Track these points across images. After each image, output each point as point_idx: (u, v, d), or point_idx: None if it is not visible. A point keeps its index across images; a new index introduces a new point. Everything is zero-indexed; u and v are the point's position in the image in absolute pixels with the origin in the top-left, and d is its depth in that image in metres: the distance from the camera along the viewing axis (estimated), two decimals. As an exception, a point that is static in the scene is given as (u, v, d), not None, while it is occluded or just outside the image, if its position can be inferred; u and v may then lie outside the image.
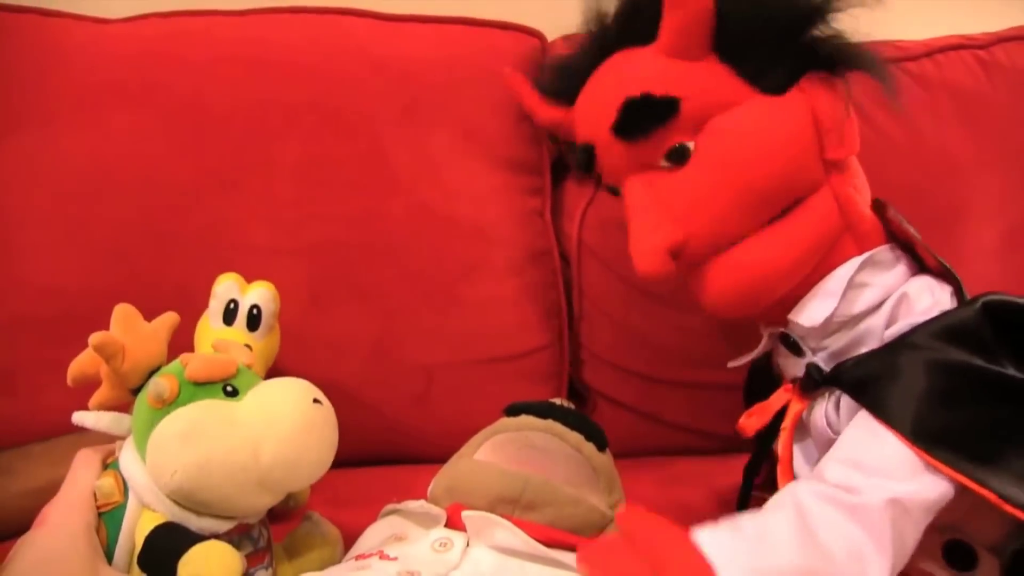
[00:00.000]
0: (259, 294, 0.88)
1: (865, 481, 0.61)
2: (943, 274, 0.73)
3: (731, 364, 0.81)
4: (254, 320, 0.87)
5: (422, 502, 0.69)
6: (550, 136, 0.99)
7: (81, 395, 0.90)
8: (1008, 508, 0.60)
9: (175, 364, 0.67)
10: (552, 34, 1.12)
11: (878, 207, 0.74)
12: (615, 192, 0.78)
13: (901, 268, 0.73)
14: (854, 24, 0.72)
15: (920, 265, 0.75)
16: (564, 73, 0.83)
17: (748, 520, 0.61)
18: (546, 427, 0.74)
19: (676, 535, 0.58)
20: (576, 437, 0.73)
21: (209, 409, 0.64)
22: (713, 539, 0.58)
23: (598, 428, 0.76)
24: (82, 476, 0.65)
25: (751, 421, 0.78)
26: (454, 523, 0.67)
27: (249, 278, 0.90)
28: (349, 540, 0.74)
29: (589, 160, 0.78)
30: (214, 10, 1.08)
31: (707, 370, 1.05)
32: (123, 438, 0.67)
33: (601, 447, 0.75)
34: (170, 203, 1.01)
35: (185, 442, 0.62)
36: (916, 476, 0.62)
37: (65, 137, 1.01)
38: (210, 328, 0.87)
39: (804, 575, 0.58)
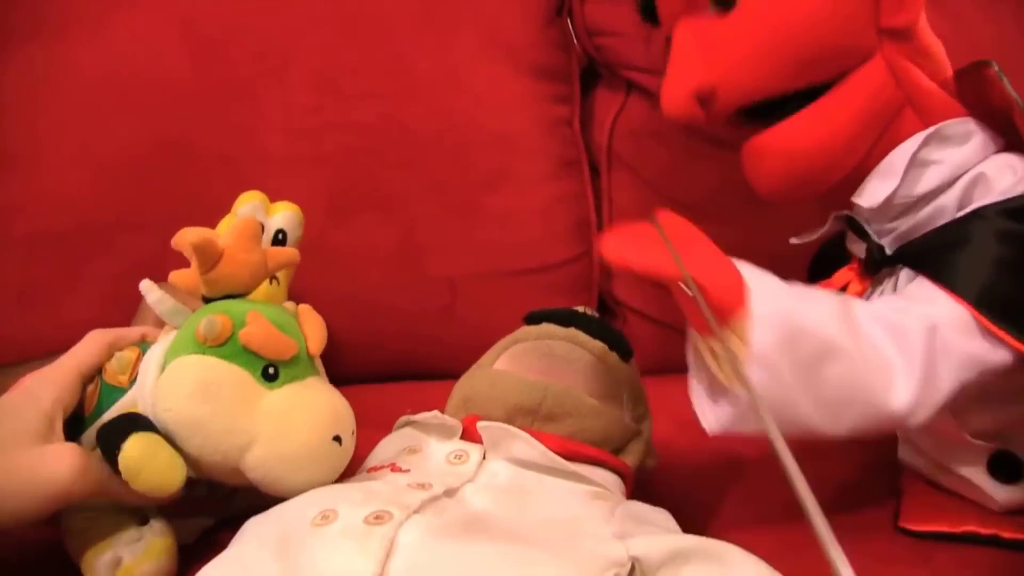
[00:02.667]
0: (285, 217, 0.84)
1: (912, 312, 0.60)
2: None
3: (793, 240, 0.77)
4: (279, 245, 0.83)
5: (436, 412, 0.67)
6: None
7: (98, 308, 0.89)
8: None
9: (244, 307, 0.62)
10: (583, -70, 1.07)
11: (976, 67, 0.67)
12: (670, 46, 0.74)
13: (977, 143, 0.67)
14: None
15: (1009, 140, 0.68)
16: None
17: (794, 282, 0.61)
18: (568, 335, 0.70)
19: (714, 246, 0.59)
20: (599, 346, 0.70)
21: (236, 382, 0.59)
22: (754, 270, 0.58)
23: (622, 336, 0.73)
24: (80, 351, 0.63)
25: None
26: (470, 435, 0.64)
27: (266, 188, 0.86)
28: (368, 452, 0.72)
29: (650, 5, 0.75)
30: (229, -89, 1.04)
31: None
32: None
33: (625, 356, 0.72)
34: (185, 113, 0.99)
35: (194, 394, 0.58)
36: (969, 334, 0.59)
37: (78, 47, 0.99)
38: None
39: (829, 347, 0.57)
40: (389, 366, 1.03)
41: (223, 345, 0.59)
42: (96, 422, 0.61)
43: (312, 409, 0.61)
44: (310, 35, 1.01)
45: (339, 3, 1.02)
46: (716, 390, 0.60)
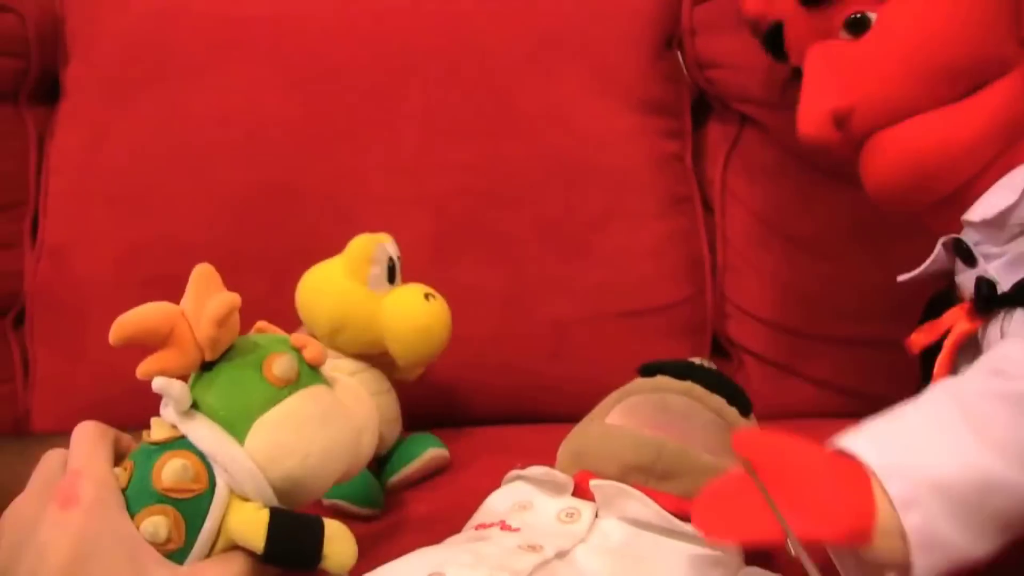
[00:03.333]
0: (394, 246, 0.85)
1: None
2: None
3: (901, 278, 0.74)
4: (392, 271, 0.85)
5: (547, 468, 0.65)
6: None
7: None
8: None
9: (283, 342, 0.61)
10: (689, -37, 1.05)
11: None
12: (800, 76, 0.75)
13: None
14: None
15: None
16: None
17: (896, 416, 0.54)
18: (684, 389, 0.68)
19: (810, 455, 0.52)
20: (717, 400, 0.68)
21: (331, 394, 0.61)
22: (865, 442, 0.51)
23: (741, 390, 0.70)
24: (102, 449, 0.56)
25: (919, 336, 0.73)
26: (582, 492, 0.63)
27: (372, 229, 0.86)
28: (477, 503, 0.71)
29: (776, 39, 0.77)
30: (335, -39, 1.07)
31: (864, 324, 0.98)
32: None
33: (745, 412, 0.69)
34: (292, 156, 1.00)
35: (322, 425, 0.58)
36: None
37: (193, 93, 1.02)
38: (374, 293, 0.83)
39: (981, 476, 0.49)
40: (496, 409, 1.01)
41: (299, 379, 0.59)
42: (197, 540, 0.56)
43: (358, 386, 0.65)
44: (415, 75, 1.02)
45: (444, 43, 1.02)
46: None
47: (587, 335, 1.00)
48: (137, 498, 0.54)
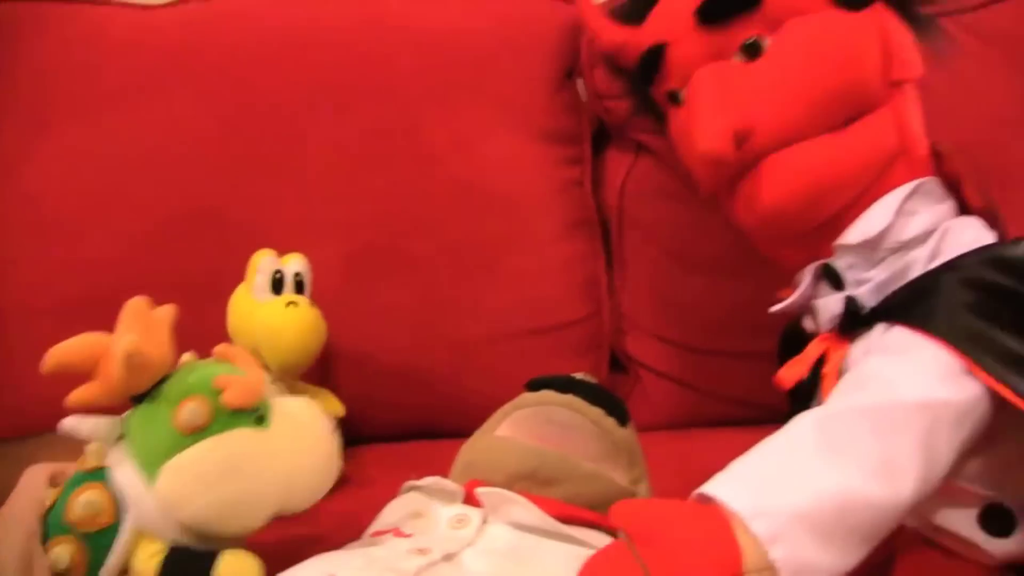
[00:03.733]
0: (299, 262, 0.91)
1: (891, 381, 0.60)
2: (987, 218, 0.72)
3: (773, 309, 0.80)
4: (300, 287, 0.90)
5: (438, 478, 0.69)
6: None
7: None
8: None
9: (204, 383, 0.62)
10: (590, 1, 1.11)
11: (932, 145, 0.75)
12: (676, 99, 0.79)
13: (949, 203, 0.73)
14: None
15: (963, 210, 0.74)
16: None
17: (758, 454, 0.59)
18: (566, 402, 0.72)
19: (676, 516, 0.56)
20: (596, 411, 0.72)
21: (247, 441, 0.61)
22: (729, 487, 0.56)
23: (619, 402, 0.75)
24: (25, 496, 0.61)
25: (790, 372, 0.78)
26: (472, 499, 0.66)
27: (287, 253, 0.92)
28: (375, 515, 0.75)
29: (655, 62, 0.79)
30: (252, -8, 1.10)
31: (751, 339, 1.03)
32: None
33: (622, 421, 0.74)
34: (210, 183, 1.03)
35: (223, 475, 0.59)
36: (950, 379, 0.60)
37: (112, 122, 1.05)
38: (256, 301, 0.89)
39: (837, 499, 0.55)
40: (406, 425, 1.05)
41: (211, 425, 0.60)
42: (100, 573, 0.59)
43: (307, 420, 0.66)
44: (326, 106, 1.05)
45: (355, 75, 1.06)
46: None
47: (492, 353, 1.04)
48: (52, 525, 0.58)
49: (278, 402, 0.65)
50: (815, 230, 0.74)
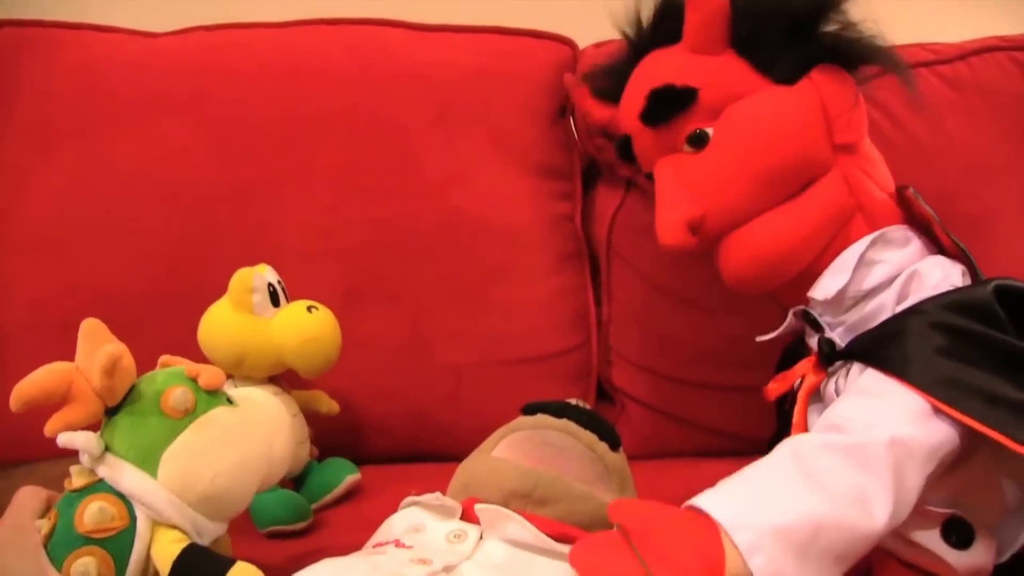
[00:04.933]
0: (271, 270, 0.93)
1: (867, 422, 0.63)
2: (959, 256, 0.76)
3: (759, 339, 0.84)
4: (274, 294, 0.92)
5: (438, 494, 0.71)
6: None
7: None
8: (1014, 446, 0.61)
9: (177, 375, 0.66)
10: (584, 42, 1.15)
11: (898, 190, 0.79)
12: (651, 178, 0.84)
13: (914, 247, 0.77)
14: (885, 28, 0.79)
15: (938, 247, 0.78)
16: (610, 74, 0.90)
17: (743, 476, 0.63)
18: (561, 426, 0.75)
19: (670, 520, 0.60)
20: (589, 436, 0.75)
21: (230, 414, 0.66)
22: (716, 501, 0.60)
23: (611, 428, 0.78)
24: (28, 504, 0.63)
25: (774, 386, 0.83)
26: (469, 516, 0.68)
27: (286, 281, 0.94)
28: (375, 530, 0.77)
29: (627, 149, 0.86)
30: (257, 23, 1.13)
31: (734, 372, 1.06)
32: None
33: (614, 446, 0.77)
34: (210, 208, 1.05)
35: (226, 444, 0.64)
36: (921, 421, 0.64)
37: (115, 146, 1.07)
38: (264, 319, 0.90)
39: (812, 520, 0.58)
40: (397, 449, 1.07)
41: (197, 406, 0.64)
42: (127, 572, 0.61)
43: (266, 398, 0.74)
44: (328, 136, 1.08)
45: (356, 107, 1.09)
46: None
47: (482, 381, 1.07)
48: (64, 544, 0.60)
49: (235, 391, 0.72)
50: (788, 285, 0.79)
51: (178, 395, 0.64)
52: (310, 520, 0.87)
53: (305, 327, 0.90)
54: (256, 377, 0.91)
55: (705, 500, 0.61)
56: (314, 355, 0.90)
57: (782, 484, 0.61)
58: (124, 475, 0.62)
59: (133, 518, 0.62)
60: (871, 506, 0.60)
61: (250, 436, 0.67)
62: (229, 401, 0.68)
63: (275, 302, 0.91)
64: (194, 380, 0.66)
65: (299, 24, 1.13)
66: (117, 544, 0.61)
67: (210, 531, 0.65)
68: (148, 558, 0.61)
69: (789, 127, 0.77)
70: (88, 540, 0.60)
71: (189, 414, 0.64)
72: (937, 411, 0.64)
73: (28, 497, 0.64)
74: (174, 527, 0.63)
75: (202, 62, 1.10)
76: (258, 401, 0.71)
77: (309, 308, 0.91)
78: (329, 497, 0.92)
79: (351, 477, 0.94)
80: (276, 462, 0.68)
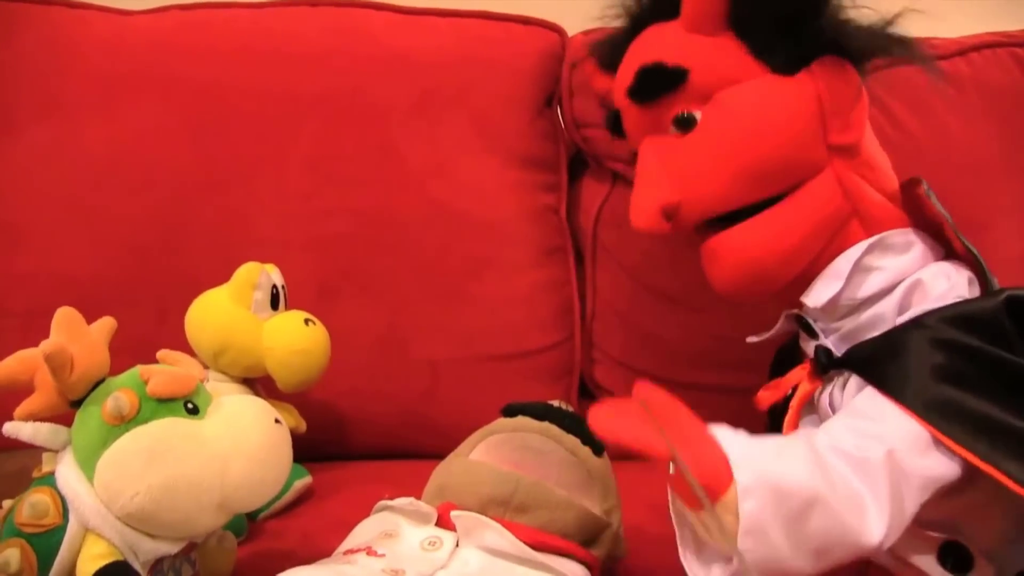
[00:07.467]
0: (278, 273, 0.90)
1: (868, 438, 0.62)
2: (969, 261, 0.72)
3: (750, 340, 0.81)
4: (275, 298, 0.89)
5: (412, 499, 0.68)
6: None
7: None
8: (1015, 488, 0.59)
9: (131, 377, 0.63)
10: (572, 29, 1.12)
11: (910, 184, 0.74)
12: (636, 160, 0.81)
13: (917, 252, 0.72)
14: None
15: (947, 250, 0.74)
16: (609, 46, 0.86)
17: (765, 437, 0.62)
18: (542, 429, 0.73)
19: (696, 420, 0.61)
20: (572, 440, 0.72)
21: (174, 426, 0.61)
22: (731, 437, 0.60)
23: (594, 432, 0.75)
24: None
25: (766, 394, 0.80)
26: (445, 522, 0.66)
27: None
28: (346, 532, 0.74)
29: (616, 124, 0.83)
30: (234, 2, 1.10)
31: (720, 372, 1.04)
32: (53, 452, 0.64)
33: (598, 451, 0.74)
34: (183, 194, 1.02)
35: (150, 461, 0.59)
36: (920, 451, 0.61)
37: (84, 127, 1.04)
38: (259, 319, 0.87)
39: (811, 500, 0.58)
40: (372, 445, 1.04)
41: (139, 414, 0.60)
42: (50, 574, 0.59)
43: (245, 409, 0.66)
44: (306, 121, 1.05)
45: (334, 91, 1.06)
46: (706, 554, 0.63)
47: (460, 376, 1.04)
48: (6, 529, 0.59)
49: (224, 398, 0.67)
50: (781, 291, 0.75)
51: (114, 401, 0.60)
52: (244, 535, 0.81)
53: (297, 338, 0.87)
54: (230, 374, 0.88)
55: (721, 432, 0.61)
56: (298, 368, 0.87)
57: (791, 456, 0.61)
58: (66, 474, 0.61)
59: (68, 519, 0.60)
60: (866, 517, 0.59)
61: (191, 455, 0.61)
62: (193, 411, 0.63)
63: (274, 305, 0.88)
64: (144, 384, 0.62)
65: (278, 4, 1.10)
66: (45, 542, 0.59)
67: (147, 549, 0.61)
68: (74, 563, 0.59)
69: (778, 119, 0.72)
70: (19, 532, 0.59)
71: (128, 421, 0.60)
72: (937, 442, 0.61)
73: None
74: (103, 538, 0.60)
75: (177, 42, 1.07)
76: (236, 411, 0.66)
77: (306, 321, 0.88)
78: (278, 504, 0.86)
79: (299, 482, 0.89)
80: (236, 480, 0.62)
